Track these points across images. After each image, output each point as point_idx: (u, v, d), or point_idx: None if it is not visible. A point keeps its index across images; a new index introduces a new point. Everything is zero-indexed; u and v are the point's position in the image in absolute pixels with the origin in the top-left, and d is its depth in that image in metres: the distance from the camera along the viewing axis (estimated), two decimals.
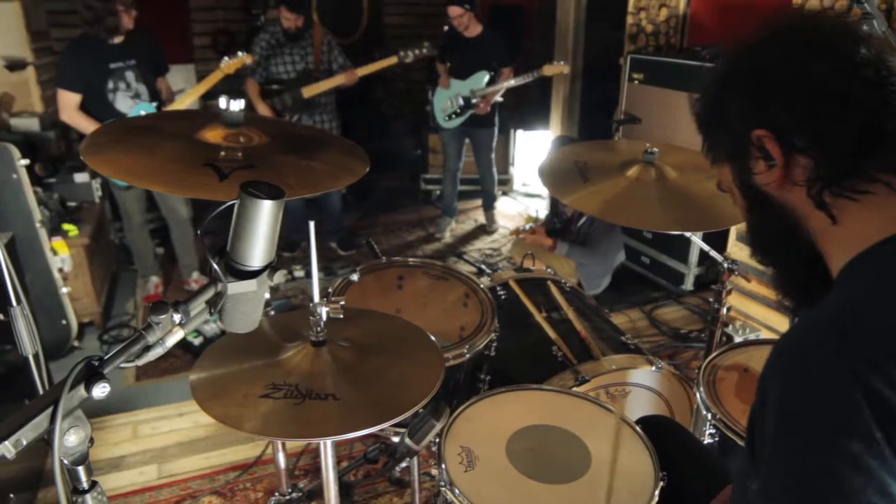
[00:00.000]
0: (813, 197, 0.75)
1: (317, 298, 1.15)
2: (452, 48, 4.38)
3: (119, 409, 2.60)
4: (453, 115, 4.41)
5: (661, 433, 1.43)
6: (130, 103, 3.18)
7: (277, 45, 3.91)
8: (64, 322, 2.99)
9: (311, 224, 1.12)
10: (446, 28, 4.41)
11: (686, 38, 3.91)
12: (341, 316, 1.14)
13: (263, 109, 3.88)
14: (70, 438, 0.82)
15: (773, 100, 0.76)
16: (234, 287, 0.96)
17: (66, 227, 3.17)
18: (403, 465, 1.83)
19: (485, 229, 5.04)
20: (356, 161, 1.48)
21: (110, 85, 3.12)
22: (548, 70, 4.12)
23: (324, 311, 1.14)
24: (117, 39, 3.11)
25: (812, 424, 0.60)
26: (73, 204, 3.44)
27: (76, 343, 3.11)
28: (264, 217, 0.95)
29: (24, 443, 0.78)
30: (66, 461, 0.83)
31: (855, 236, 0.73)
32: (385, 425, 1.00)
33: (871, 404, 0.57)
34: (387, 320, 1.41)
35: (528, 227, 3.58)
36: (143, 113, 3.17)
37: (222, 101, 1.38)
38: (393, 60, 3.94)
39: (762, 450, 0.66)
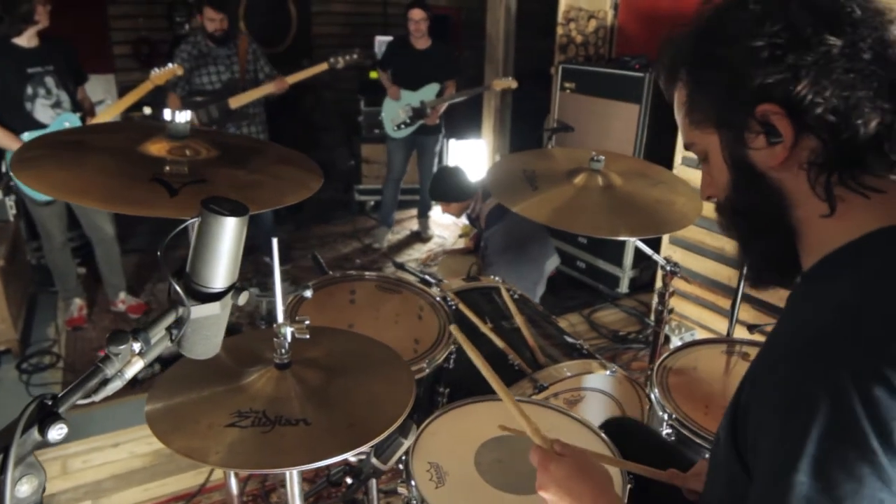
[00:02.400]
0: (816, 183, 0.70)
1: (281, 319, 1.10)
2: (399, 59, 4.41)
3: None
4: (402, 126, 4.45)
5: (625, 433, 1.45)
6: (51, 113, 2.98)
7: (200, 56, 3.74)
8: None
9: (274, 241, 1.08)
10: (391, 38, 4.44)
11: (614, 48, 4.04)
12: (307, 336, 1.10)
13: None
14: (22, 489, 0.75)
15: (797, 74, 0.67)
16: (197, 311, 0.90)
17: None
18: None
19: (419, 237, 5.04)
20: (309, 174, 1.43)
21: (29, 91, 2.90)
22: (497, 84, 4.27)
23: (289, 332, 1.09)
24: (33, 42, 2.90)
25: (809, 429, 0.59)
26: None
27: None
28: (228, 235, 0.91)
29: None
30: None
31: (846, 229, 0.70)
32: (363, 448, 0.97)
33: (869, 413, 0.57)
34: (349, 338, 1.36)
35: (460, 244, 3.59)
36: (67, 125, 2.98)
37: (167, 113, 1.31)
38: (323, 67, 3.86)
39: (756, 449, 0.66)
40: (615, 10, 3.96)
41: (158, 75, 3.19)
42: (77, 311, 3.40)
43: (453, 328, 1.19)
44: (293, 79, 3.82)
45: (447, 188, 3.49)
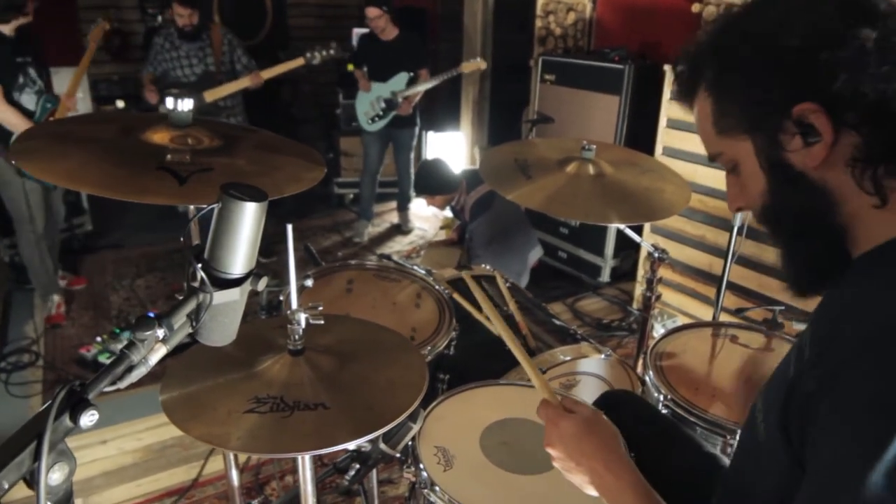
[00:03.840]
0: (861, 178, 0.69)
1: (295, 305, 1.10)
2: (369, 52, 4.40)
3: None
4: (376, 118, 4.43)
5: (623, 405, 1.50)
6: (34, 98, 3.02)
7: (173, 48, 3.72)
8: None
9: (289, 227, 1.08)
10: (364, 31, 4.43)
11: (593, 40, 4.08)
12: (322, 322, 1.10)
13: (151, 95, 3.69)
14: (54, 476, 0.75)
15: (833, 70, 0.67)
16: (217, 297, 0.91)
17: None
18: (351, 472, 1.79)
19: (400, 230, 5.04)
20: (311, 164, 1.43)
21: (20, 80, 2.93)
22: (466, 67, 4.21)
23: (303, 318, 1.10)
24: (13, 33, 2.90)
25: (893, 433, 0.57)
26: None
27: None
28: (248, 221, 0.91)
29: (6, 486, 0.69)
30: (49, 503, 0.75)
31: None
32: (384, 430, 0.98)
33: None
34: (355, 324, 1.37)
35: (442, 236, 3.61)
36: (49, 106, 3.05)
37: (169, 101, 1.30)
38: (300, 62, 3.81)
39: (822, 441, 0.64)
40: (594, 2, 4.01)
41: (93, 34, 3.30)
42: (55, 309, 3.33)
43: (480, 299, 1.20)
44: (268, 74, 3.78)
45: (431, 181, 3.51)
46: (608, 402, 1.56)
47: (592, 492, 0.97)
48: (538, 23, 4.32)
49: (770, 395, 0.76)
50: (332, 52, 3.86)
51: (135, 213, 4.82)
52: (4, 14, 2.83)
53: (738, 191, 0.82)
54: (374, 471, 1.69)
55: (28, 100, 3.00)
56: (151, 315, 0.87)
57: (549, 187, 1.90)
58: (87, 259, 4.13)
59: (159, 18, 4.98)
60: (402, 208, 5.07)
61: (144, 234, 4.50)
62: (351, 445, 0.98)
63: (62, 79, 4.15)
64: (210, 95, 3.69)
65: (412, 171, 4.85)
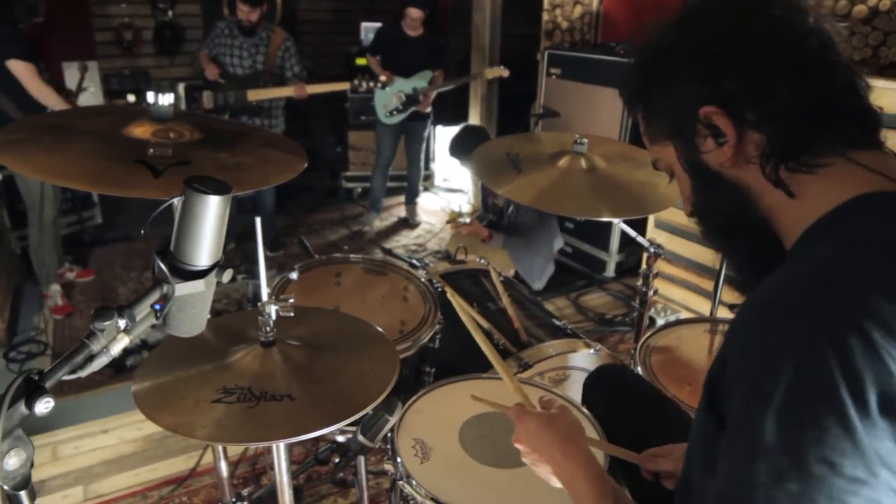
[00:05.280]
0: (769, 174, 0.73)
1: (265, 297, 1.11)
2: (391, 45, 4.44)
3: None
4: (395, 112, 4.48)
5: (615, 379, 1.51)
6: None
7: (231, 36, 3.81)
8: None
9: (258, 220, 1.09)
10: (380, 24, 4.49)
11: (599, 34, 4.05)
12: (292, 314, 1.11)
13: (212, 71, 3.77)
14: (10, 461, 0.76)
15: (723, 73, 0.73)
16: (181, 288, 0.92)
17: None
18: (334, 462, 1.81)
19: (407, 223, 5.05)
20: (293, 157, 1.44)
21: (41, 65, 3.06)
22: (489, 73, 4.30)
23: (273, 310, 1.11)
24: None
25: (780, 377, 0.59)
26: None
27: None
28: (211, 213, 0.92)
29: None
30: (6, 486, 0.77)
31: (813, 207, 0.72)
32: (347, 422, 0.99)
33: (842, 363, 0.57)
34: (333, 317, 1.38)
35: (466, 219, 3.59)
36: None
37: (150, 96, 1.31)
38: (346, 86, 4.03)
39: (731, 400, 0.67)
40: None
41: None
42: (60, 299, 3.38)
43: (449, 294, 1.21)
44: (313, 89, 3.91)
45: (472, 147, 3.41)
46: (601, 374, 1.57)
47: (557, 483, 1.00)
48: (545, 16, 4.30)
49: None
50: (378, 84, 4.04)
51: (144, 206, 4.85)
52: (26, 16, 2.98)
53: (683, 195, 0.87)
54: (364, 462, 1.71)
55: None
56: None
57: (541, 182, 1.89)
58: (96, 251, 4.19)
59: (170, 13, 5.03)
60: (410, 202, 5.08)
61: (153, 226, 4.55)
62: (314, 436, 0.99)
63: (74, 74, 4.22)
64: (253, 95, 3.79)
65: (422, 164, 4.91)
